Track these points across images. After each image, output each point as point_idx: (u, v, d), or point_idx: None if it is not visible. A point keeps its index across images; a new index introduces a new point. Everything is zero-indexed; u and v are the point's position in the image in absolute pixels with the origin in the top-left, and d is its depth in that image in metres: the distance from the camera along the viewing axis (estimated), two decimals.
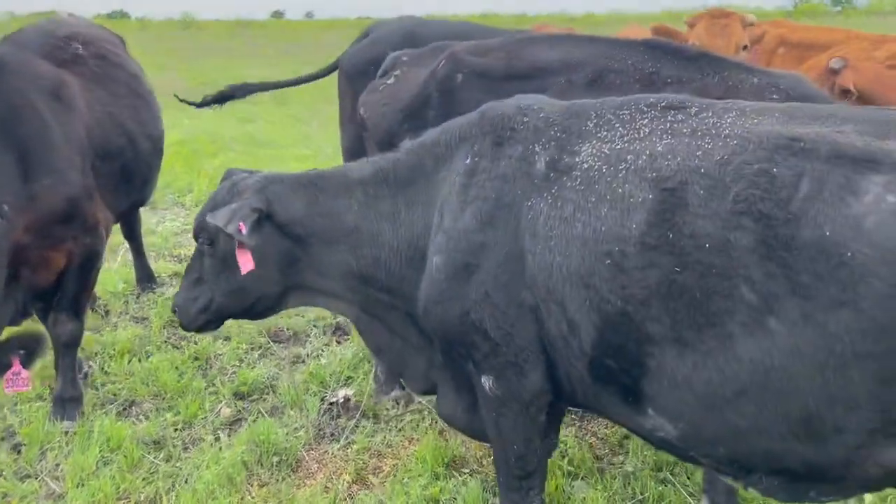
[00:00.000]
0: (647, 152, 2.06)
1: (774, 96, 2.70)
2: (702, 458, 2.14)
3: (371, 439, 3.57)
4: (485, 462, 3.40)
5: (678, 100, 2.20)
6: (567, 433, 3.47)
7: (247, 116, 12.18)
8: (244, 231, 2.42)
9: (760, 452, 1.95)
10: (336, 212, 2.57)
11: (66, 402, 3.67)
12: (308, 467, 3.40)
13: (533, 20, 29.78)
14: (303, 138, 10.95)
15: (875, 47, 5.76)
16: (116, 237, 5.34)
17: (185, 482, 3.24)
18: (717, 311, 1.87)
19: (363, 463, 3.42)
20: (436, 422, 3.72)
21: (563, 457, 3.33)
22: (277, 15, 53.68)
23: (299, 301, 2.81)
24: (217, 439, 3.57)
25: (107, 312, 4.88)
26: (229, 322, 4.69)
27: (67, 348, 3.69)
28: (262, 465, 3.35)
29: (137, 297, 5.12)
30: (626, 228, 2.00)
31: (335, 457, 3.46)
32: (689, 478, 3.22)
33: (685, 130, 2.07)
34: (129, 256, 5.42)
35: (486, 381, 2.38)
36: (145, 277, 5.22)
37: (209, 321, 2.83)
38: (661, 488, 3.16)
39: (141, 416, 3.77)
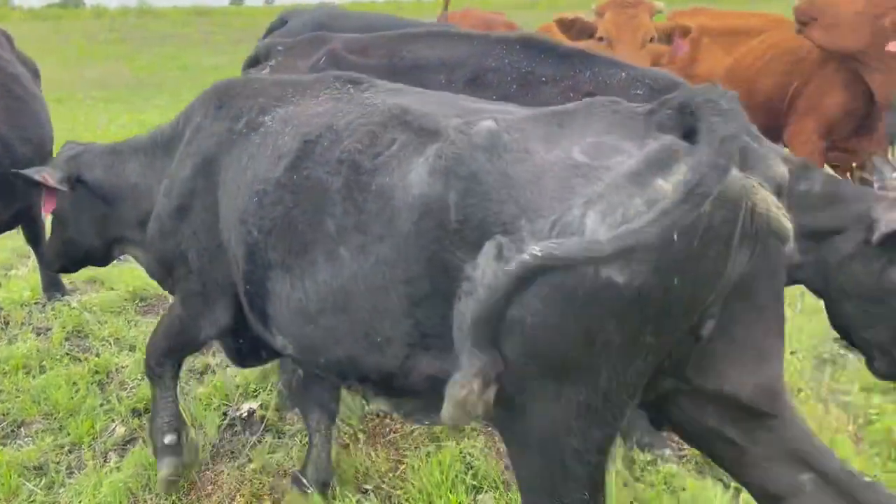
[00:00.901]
0: (309, 113, 2.42)
1: (639, 91, 2.65)
2: (316, 370, 2.50)
3: (272, 456, 3.38)
4: (389, 477, 3.23)
5: (356, 77, 2.58)
6: (474, 445, 3.30)
7: None
8: (50, 181, 3.15)
9: (345, 360, 2.28)
10: (124, 173, 3.14)
11: None
12: (201, 490, 3.20)
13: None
14: None
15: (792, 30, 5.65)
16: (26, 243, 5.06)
17: None
18: (310, 241, 2.23)
19: (260, 483, 3.22)
20: (341, 434, 3.54)
21: (468, 470, 3.16)
22: (237, 2, 52.57)
23: (123, 251, 3.40)
24: (105, 462, 3.35)
25: (6, 323, 4.60)
26: (135, 332, 4.53)
27: None
28: (149, 489, 3.14)
29: (42, 307, 4.84)
30: (271, 172, 2.37)
31: (231, 477, 3.26)
32: None
33: (344, 99, 2.42)
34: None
35: (176, 300, 2.90)
36: (51, 286, 4.94)
37: (63, 265, 3.58)
38: None
39: (28, 439, 3.53)
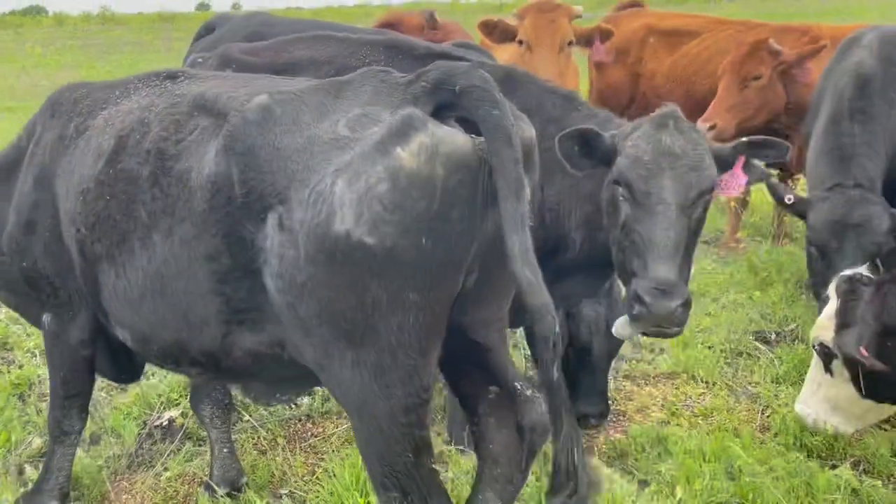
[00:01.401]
0: (126, 110, 2.49)
1: None
2: (154, 359, 2.54)
3: (189, 464, 3.39)
4: (306, 481, 3.26)
5: (176, 72, 2.63)
6: None
7: None
8: None
9: (174, 345, 2.35)
10: None
11: None
12: (114, 499, 3.20)
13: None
14: None
15: (742, 33, 5.79)
16: None
17: None
18: (127, 230, 2.30)
19: (174, 490, 3.23)
20: (261, 440, 3.57)
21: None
22: (203, 7, 52.16)
23: None
24: (21, 474, 3.34)
25: None
26: None
27: None
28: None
29: None
30: (92, 171, 2.43)
31: (145, 485, 3.26)
32: None
33: (159, 93, 2.48)
34: None
35: (46, 319, 2.80)
36: None
37: None
38: None
39: None
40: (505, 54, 5.25)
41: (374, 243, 1.87)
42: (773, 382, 3.90)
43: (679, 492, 3.03)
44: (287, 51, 3.36)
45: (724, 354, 4.19)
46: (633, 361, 4.19)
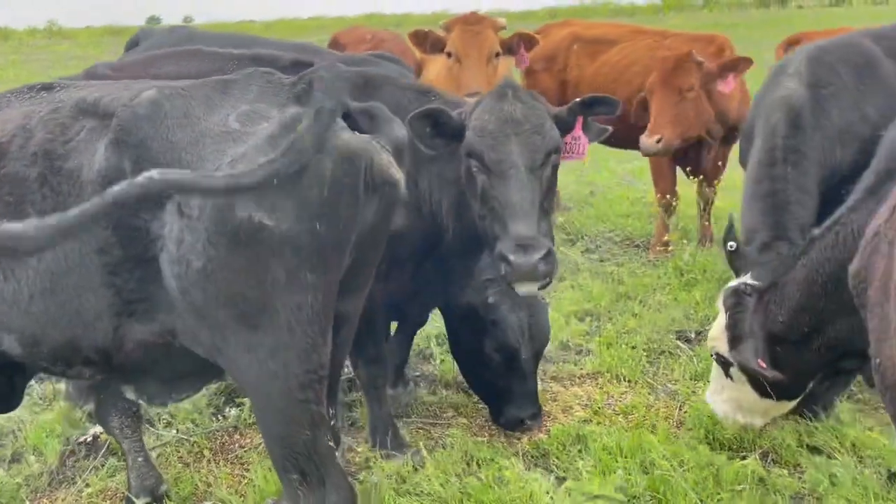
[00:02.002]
0: (4, 119, 2.50)
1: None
2: (44, 363, 2.52)
3: (111, 479, 3.37)
4: (230, 492, 3.26)
5: (51, 83, 2.68)
6: None
7: None
8: None
9: (66, 345, 2.37)
10: None
11: None
12: None
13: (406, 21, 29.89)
14: None
15: (658, 42, 5.99)
16: None
17: None
18: None
19: None
20: (187, 453, 3.56)
21: None
22: (153, 21, 51.32)
23: None
24: None
25: None
26: None
27: None
28: None
29: None
30: None
31: (66, 502, 3.24)
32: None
33: (38, 102, 2.54)
34: None
35: None
36: None
37: None
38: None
39: None
40: (436, 66, 5.37)
41: (273, 225, 2.06)
42: (691, 379, 4.04)
43: (595, 486, 3.12)
44: (154, 66, 3.47)
45: (646, 354, 4.32)
46: (560, 363, 4.30)
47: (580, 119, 3.00)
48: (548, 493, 3.11)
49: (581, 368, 4.24)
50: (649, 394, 3.96)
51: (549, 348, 4.06)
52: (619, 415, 3.78)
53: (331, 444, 2.29)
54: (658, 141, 5.07)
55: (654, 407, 3.82)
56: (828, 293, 2.70)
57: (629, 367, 4.15)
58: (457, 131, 2.88)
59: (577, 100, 3.04)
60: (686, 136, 5.27)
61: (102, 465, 3.47)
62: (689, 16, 36.82)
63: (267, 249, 2.07)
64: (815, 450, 3.35)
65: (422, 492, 3.19)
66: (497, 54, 4.81)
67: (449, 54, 4.80)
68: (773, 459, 3.36)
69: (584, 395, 4.00)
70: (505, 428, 3.63)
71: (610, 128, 3.12)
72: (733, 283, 3.15)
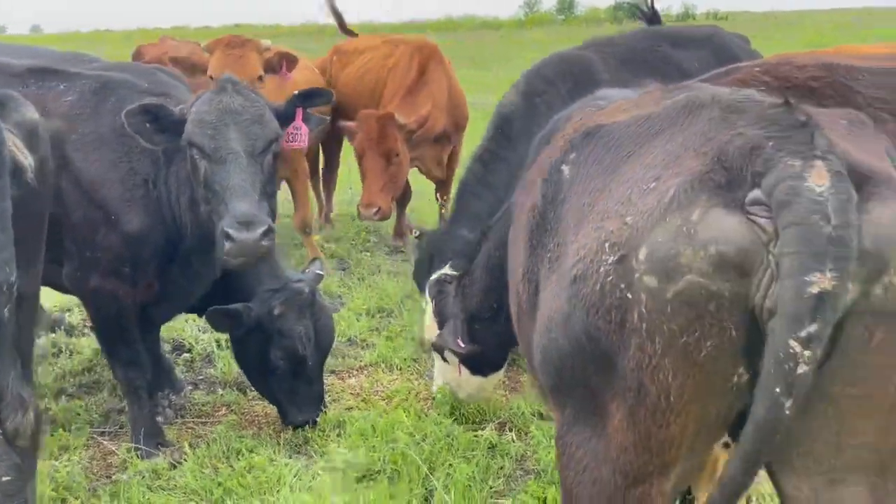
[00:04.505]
0: None
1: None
2: None
3: None
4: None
5: None
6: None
7: None
8: None
9: None
10: None
11: None
12: None
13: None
14: None
15: (392, 51, 6.54)
16: None
17: None
18: None
19: None
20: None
21: (50, 482, 3.27)
22: None
23: None
24: None
25: None
26: None
27: None
28: None
29: None
30: None
31: None
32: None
33: None
34: None
35: None
36: None
37: None
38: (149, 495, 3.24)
39: None
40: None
41: None
42: None
43: (338, 462, 3.38)
44: None
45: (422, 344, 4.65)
46: (342, 358, 4.54)
47: (300, 110, 3.30)
48: (296, 475, 3.34)
49: (360, 361, 4.51)
50: (417, 380, 4.28)
51: (336, 345, 4.27)
52: (383, 400, 4.06)
53: None
54: (375, 213, 5.54)
55: (416, 390, 4.13)
56: (503, 271, 3.07)
57: (401, 356, 4.46)
58: (178, 125, 3.05)
59: (296, 92, 3.36)
60: (397, 194, 5.92)
61: None
62: (548, 30, 38.56)
63: None
64: (544, 416, 3.77)
65: (175, 486, 3.32)
66: (260, 77, 4.86)
67: (211, 77, 4.68)
68: (508, 427, 3.75)
69: (357, 386, 4.27)
70: (294, 427, 3.74)
71: (328, 118, 3.47)
72: (435, 275, 3.51)
